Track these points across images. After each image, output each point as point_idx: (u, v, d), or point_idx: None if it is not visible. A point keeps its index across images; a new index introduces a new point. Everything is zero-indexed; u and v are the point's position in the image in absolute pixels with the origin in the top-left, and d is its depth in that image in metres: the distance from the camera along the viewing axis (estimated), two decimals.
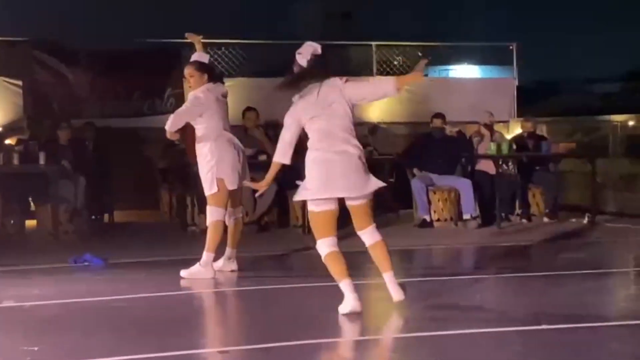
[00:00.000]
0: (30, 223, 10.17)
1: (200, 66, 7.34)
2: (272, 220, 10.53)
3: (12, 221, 9.88)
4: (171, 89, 12.48)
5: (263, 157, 10.28)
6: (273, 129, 10.55)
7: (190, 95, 7.35)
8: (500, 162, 10.66)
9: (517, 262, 8.29)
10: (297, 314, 5.68)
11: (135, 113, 12.38)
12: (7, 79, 12.13)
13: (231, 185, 7.25)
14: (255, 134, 10.69)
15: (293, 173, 10.31)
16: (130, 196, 11.85)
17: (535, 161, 11.22)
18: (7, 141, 11.11)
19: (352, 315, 5.45)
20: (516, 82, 13.76)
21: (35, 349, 4.78)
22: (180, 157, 10.65)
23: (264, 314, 5.71)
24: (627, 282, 7.34)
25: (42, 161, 9.65)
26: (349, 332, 5.38)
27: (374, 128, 12.76)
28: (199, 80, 7.28)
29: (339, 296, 5.55)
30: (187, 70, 7.40)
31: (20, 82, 12.06)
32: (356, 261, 6.13)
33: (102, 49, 12.78)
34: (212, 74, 7.43)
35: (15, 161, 9.65)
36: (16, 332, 5.28)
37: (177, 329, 5.37)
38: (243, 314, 6.11)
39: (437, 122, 10.96)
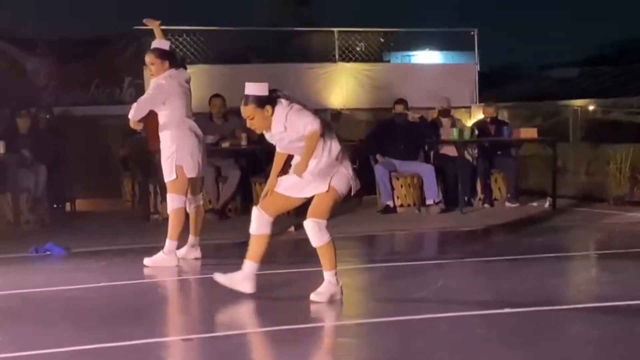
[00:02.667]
0: None
1: (161, 53, 7.27)
2: (235, 207, 10.50)
3: None
4: (131, 79, 12.41)
5: (226, 144, 10.25)
6: (237, 117, 10.51)
7: (152, 83, 7.30)
8: (462, 148, 10.73)
9: (479, 246, 8.36)
10: (260, 301, 5.67)
11: (94, 102, 12.31)
12: None
13: (190, 172, 7.21)
14: (229, 123, 10.63)
15: (256, 161, 10.33)
16: (92, 185, 11.75)
17: (497, 146, 11.30)
18: None
19: (315, 302, 5.46)
20: (477, 68, 13.81)
21: None
22: (140, 145, 10.57)
23: (228, 302, 5.69)
24: (587, 265, 7.44)
25: (1, 150, 9.52)
26: (314, 318, 5.38)
27: (337, 114, 12.77)
28: (160, 68, 7.21)
29: (303, 282, 5.55)
30: (148, 58, 7.33)
31: None
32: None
33: (60, 37, 12.65)
34: (173, 60, 7.37)
35: None
36: None
37: (139, 317, 5.35)
38: (206, 301, 6.08)
39: (399, 108, 10.98)
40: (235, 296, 5.66)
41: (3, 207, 9.74)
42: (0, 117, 10.68)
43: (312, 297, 5.49)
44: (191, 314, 5.84)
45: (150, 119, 10.37)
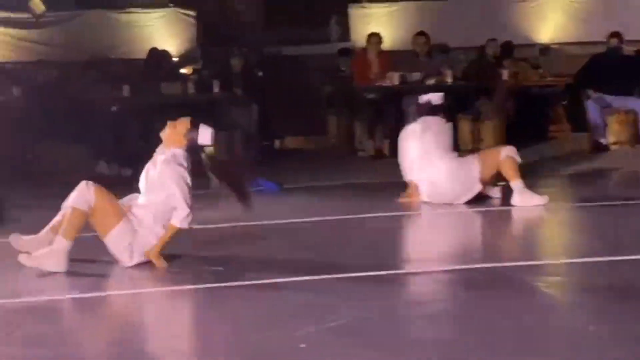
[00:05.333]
0: None
1: None
2: None
3: None
4: (336, 17, 12.57)
5: (431, 81, 10.18)
6: (442, 53, 10.45)
7: None
8: None
9: None
10: None
11: (301, 40, 12.55)
12: (180, 10, 12.51)
13: None
14: (434, 60, 10.56)
15: (461, 97, 10.09)
16: (299, 122, 12.03)
17: None
18: (183, 70, 11.51)
19: None
20: None
21: (221, 269, 5.03)
22: (346, 82, 10.70)
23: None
24: None
25: (216, 89, 9.91)
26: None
27: (545, 49, 12.36)
28: None
29: None
30: None
31: (193, 13, 12.42)
32: None
33: None
34: None
35: (191, 90, 9.94)
36: (202, 253, 5.52)
37: (352, 251, 5.48)
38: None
39: (614, 41, 10.46)
40: None
41: (218, 145, 10.17)
42: (215, 57, 11.10)
43: None
44: (396, 249, 5.90)
45: (356, 56, 10.50)
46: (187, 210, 5.10)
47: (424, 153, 6.94)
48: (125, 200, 5.32)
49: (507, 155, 6.81)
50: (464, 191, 6.86)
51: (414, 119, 7.23)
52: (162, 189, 5.14)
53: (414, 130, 7.07)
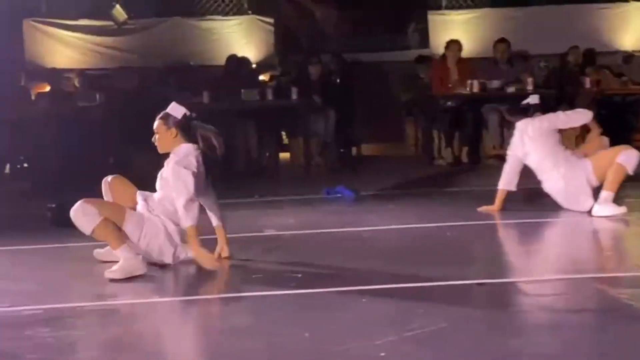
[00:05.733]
0: (284, 156, 10.59)
1: None
2: None
3: (267, 154, 10.30)
4: (415, 24, 12.51)
5: (511, 89, 10.04)
6: (523, 61, 10.31)
7: None
8: None
9: None
10: None
11: (380, 47, 12.53)
12: (260, 17, 12.62)
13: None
14: (515, 67, 10.42)
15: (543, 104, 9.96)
16: (376, 129, 12.01)
17: None
18: (261, 77, 11.60)
19: None
20: None
21: (299, 275, 5.01)
22: (424, 90, 10.64)
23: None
24: None
25: (294, 96, 9.95)
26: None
27: (629, 57, 12.09)
28: None
29: None
30: None
31: (271, 20, 12.51)
32: None
33: None
34: None
35: (269, 97, 10.00)
36: (279, 259, 5.55)
37: (431, 259, 5.42)
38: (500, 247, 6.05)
39: None
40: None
41: (295, 151, 10.23)
42: (293, 64, 11.15)
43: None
44: (476, 258, 5.83)
45: (435, 63, 10.43)
46: (182, 210, 5.02)
47: (541, 158, 6.79)
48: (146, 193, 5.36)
49: (621, 162, 6.60)
50: (581, 198, 6.68)
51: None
52: (168, 188, 5.17)
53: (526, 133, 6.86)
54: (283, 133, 10.73)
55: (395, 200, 7.74)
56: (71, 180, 8.41)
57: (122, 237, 5.09)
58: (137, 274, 5.03)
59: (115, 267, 5.03)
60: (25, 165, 10.24)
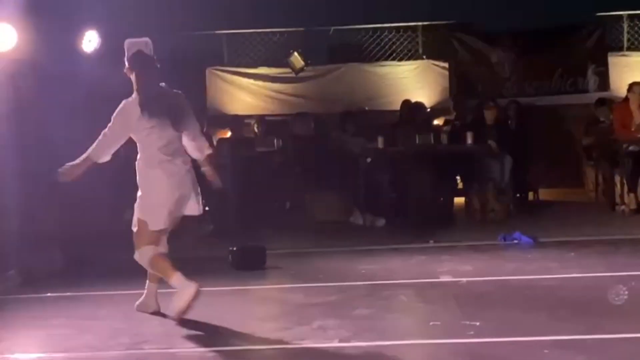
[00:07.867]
0: (458, 201, 10.48)
1: None
2: None
3: (441, 198, 10.23)
4: (594, 66, 12.21)
5: None
6: None
7: None
8: None
9: None
10: None
11: (557, 91, 12.33)
12: (434, 62, 12.67)
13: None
14: None
15: None
16: (554, 174, 11.73)
17: None
18: (435, 122, 11.59)
19: None
20: None
21: (477, 323, 4.91)
22: (606, 134, 10.31)
23: None
24: None
25: (469, 140, 9.86)
26: None
27: None
28: None
29: None
30: None
31: (446, 64, 12.53)
32: None
33: (522, 29, 12.79)
34: None
35: (444, 141, 9.96)
36: (455, 306, 5.46)
37: (611, 310, 5.19)
38: None
39: None
40: None
41: (471, 196, 10.11)
42: (469, 109, 11.08)
43: None
44: None
45: (617, 106, 10.07)
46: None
47: None
48: None
49: None
50: None
51: None
52: None
53: None
54: (458, 178, 10.63)
55: (575, 248, 7.49)
56: (250, 226, 8.65)
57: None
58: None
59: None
60: (207, 208, 10.58)
